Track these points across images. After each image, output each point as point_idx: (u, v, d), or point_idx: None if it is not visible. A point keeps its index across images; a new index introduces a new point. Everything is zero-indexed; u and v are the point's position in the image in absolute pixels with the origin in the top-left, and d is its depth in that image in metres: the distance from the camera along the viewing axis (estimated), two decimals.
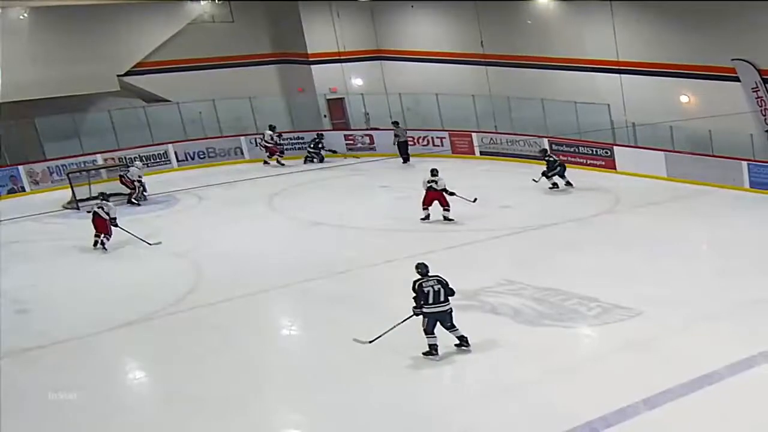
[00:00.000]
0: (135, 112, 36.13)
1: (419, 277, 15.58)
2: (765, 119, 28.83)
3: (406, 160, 34.30)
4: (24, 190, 31.93)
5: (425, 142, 35.33)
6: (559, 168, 29.16)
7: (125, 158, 32.06)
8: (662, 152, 30.13)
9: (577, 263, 20.78)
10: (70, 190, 29.41)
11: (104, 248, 23.65)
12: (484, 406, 13.72)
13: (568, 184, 29.24)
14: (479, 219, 25.43)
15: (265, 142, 35.07)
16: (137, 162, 30.30)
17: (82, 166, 31.87)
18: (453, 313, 15.60)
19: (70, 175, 29.88)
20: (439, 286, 15.44)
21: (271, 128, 35.16)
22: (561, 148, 32.58)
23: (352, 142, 36.69)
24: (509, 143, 34.15)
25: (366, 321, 17.65)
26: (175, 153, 35.15)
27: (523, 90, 34.74)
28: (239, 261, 22.31)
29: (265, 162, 34.86)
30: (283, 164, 34.61)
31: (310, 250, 22.82)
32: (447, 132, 35.50)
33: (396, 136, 34.73)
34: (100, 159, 33.17)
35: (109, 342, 17.31)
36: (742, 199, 27.22)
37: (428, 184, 25.13)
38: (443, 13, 37.94)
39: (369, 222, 25.62)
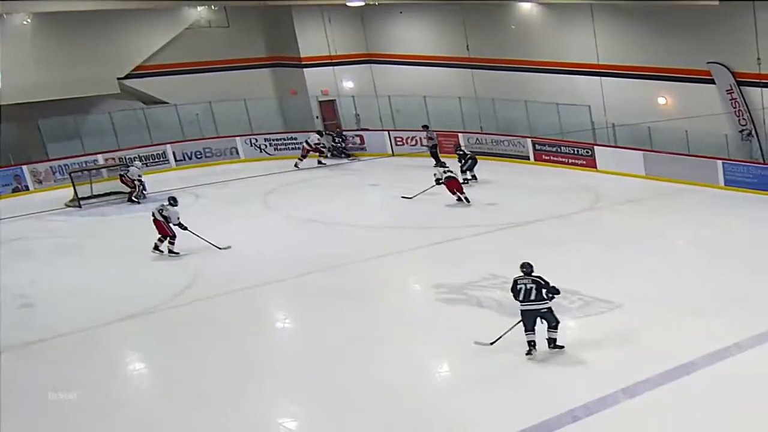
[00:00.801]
0: (134, 113, 36.06)
1: (519, 275, 15.40)
2: (739, 120, 28.90)
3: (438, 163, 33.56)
4: (28, 189, 31.87)
5: (413, 142, 35.31)
6: (470, 161, 30.16)
7: (125, 158, 31.96)
8: (641, 152, 30.20)
9: (559, 258, 20.75)
10: (72, 188, 29.33)
11: (173, 252, 22.66)
12: (470, 396, 13.80)
13: (474, 177, 30.11)
14: (466, 216, 25.48)
15: (311, 143, 34.07)
16: (137, 162, 30.22)
17: (84, 165, 31.76)
18: (553, 313, 15.35)
19: (72, 174, 29.81)
20: (533, 285, 15.19)
21: (319, 133, 34.86)
22: (544, 148, 32.68)
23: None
24: (494, 143, 34.17)
25: (360, 314, 17.78)
26: (173, 153, 35.06)
27: (507, 92, 34.78)
28: (236, 257, 22.29)
29: (320, 162, 34.25)
30: (324, 164, 34.27)
31: (305, 247, 22.80)
32: (434, 132, 35.47)
33: (430, 139, 34.49)
34: (101, 159, 33.06)
35: (109, 336, 17.30)
36: (717, 196, 27.32)
37: (446, 175, 26.94)
38: (431, 19, 37.93)
39: (361, 219, 25.62)
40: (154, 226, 22.74)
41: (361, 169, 32.81)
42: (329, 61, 39.09)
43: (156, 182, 30.81)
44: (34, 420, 13.70)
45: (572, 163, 32.04)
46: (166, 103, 37.01)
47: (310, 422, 13.61)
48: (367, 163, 34.10)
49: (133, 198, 28.94)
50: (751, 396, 13.34)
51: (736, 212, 25.43)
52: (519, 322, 15.36)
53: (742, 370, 14.44)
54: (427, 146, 34.37)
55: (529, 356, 15.13)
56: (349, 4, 36.31)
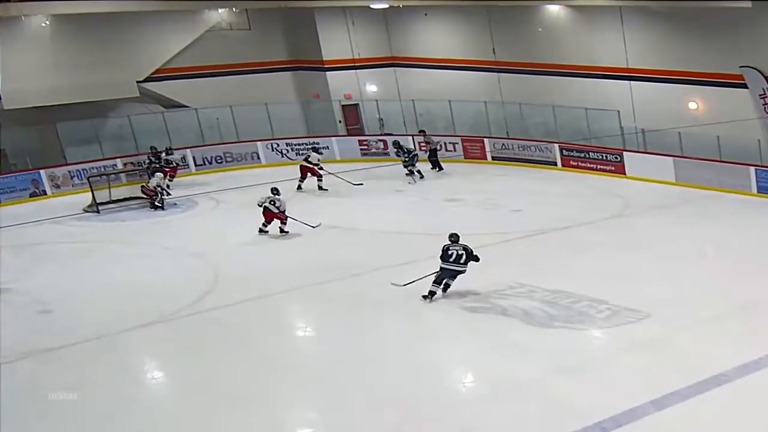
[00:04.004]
0: (154, 117, 36.20)
1: (449, 243, 18.76)
2: None
3: (436, 167, 34.25)
4: (45, 194, 31.99)
5: (438, 148, 35.33)
6: (413, 157, 31.80)
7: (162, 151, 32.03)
8: (671, 158, 30.11)
9: (587, 266, 20.81)
10: (90, 193, 29.44)
11: (284, 231, 24.75)
12: (495, 406, 13.77)
13: (419, 172, 31.78)
14: (491, 222, 25.49)
15: (312, 162, 31.29)
16: (158, 173, 30.15)
17: (103, 170, 31.92)
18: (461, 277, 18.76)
19: (90, 179, 29.91)
20: (463, 251, 18.58)
21: (317, 150, 32.65)
22: (571, 154, 32.66)
23: (366, 147, 36.72)
24: (521, 149, 34.17)
25: (381, 321, 17.80)
26: (193, 158, 35.23)
27: (534, 96, 34.79)
28: (256, 263, 22.40)
29: (299, 187, 31.10)
30: (325, 189, 31.03)
31: (326, 253, 22.85)
32: (459, 138, 35.54)
33: (427, 143, 34.80)
34: (119, 163, 33.29)
35: (129, 341, 17.38)
36: (749, 203, 27.22)
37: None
38: (456, 21, 37.97)
39: (383, 225, 25.64)
40: (264, 217, 24.52)
41: (383, 174, 32.84)
42: (352, 64, 39.25)
43: (176, 187, 31.04)
44: (56, 424, 13.78)
45: (600, 169, 31.98)
46: (186, 106, 37.16)
47: (327, 426, 13.65)
48: (389, 168, 34.14)
49: (156, 204, 28.93)
50: None
51: None
52: (435, 273, 18.67)
53: None
54: (424, 151, 34.57)
55: (426, 299, 18.61)
56: (372, 6, 36.50)
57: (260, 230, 24.66)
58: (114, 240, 25.69)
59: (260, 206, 24.36)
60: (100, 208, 28.92)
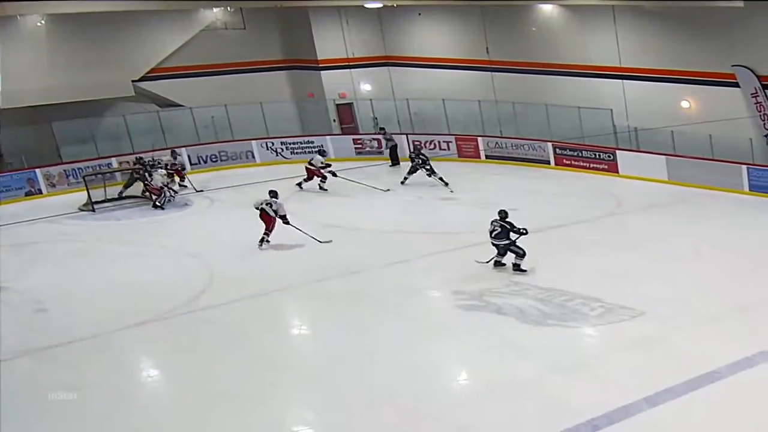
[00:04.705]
0: (149, 116, 36.18)
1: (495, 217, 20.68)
2: (764, 124, 28.86)
3: (395, 163, 34.67)
4: (41, 193, 31.93)
5: (432, 146, 35.33)
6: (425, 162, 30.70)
7: (145, 161, 31.82)
8: (664, 156, 30.17)
9: (580, 264, 20.86)
10: (85, 192, 29.41)
11: (267, 242, 23.62)
12: (490, 404, 13.81)
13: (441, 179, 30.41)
14: (486, 221, 25.48)
15: (315, 164, 31.02)
16: (160, 170, 30.11)
17: (98, 169, 31.93)
18: (513, 247, 20.44)
19: (85, 177, 29.94)
20: (499, 227, 20.41)
21: (322, 153, 32.02)
22: (565, 152, 32.70)
23: (360, 146, 36.73)
24: (514, 147, 34.20)
25: (378, 320, 17.83)
26: (188, 156, 35.18)
27: (527, 95, 34.82)
28: (252, 262, 22.43)
29: (300, 185, 31.15)
30: (325, 189, 30.93)
31: (322, 252, 22.86)
32: (453, 136, 35.54)
33: (388, 140, 35.12)
34: (115, 162, 33.26)
35: (125, 339, 17.40)
36: (741, 202, 27.28)
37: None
38: (449, 21, 38.01)
39: (380, 224, 25.67)
40: (262, 221, 23.37)
41: (378, 173, 32.88)
42: (347, 63, 39.27)
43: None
44: (53, 422, 13.79)
45: (593, 168, 32.03)
46: (181, 105, 37.14)
47: (325, 425, 13.66)
48: (384, 167, 34.20)
49: (158, 204, 28.84)
50: None
51: (760, 218, 25.40)
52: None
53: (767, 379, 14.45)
54: (386, 148, 34.89)
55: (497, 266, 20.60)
56: (366, 5, 36.50)
57: (261, 241, 23.51)
58: (109, 239, 25.69)
59: (257, 209, 23.71)
60: (95, 206, 28.91)
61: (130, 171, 30.92)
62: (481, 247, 21.77)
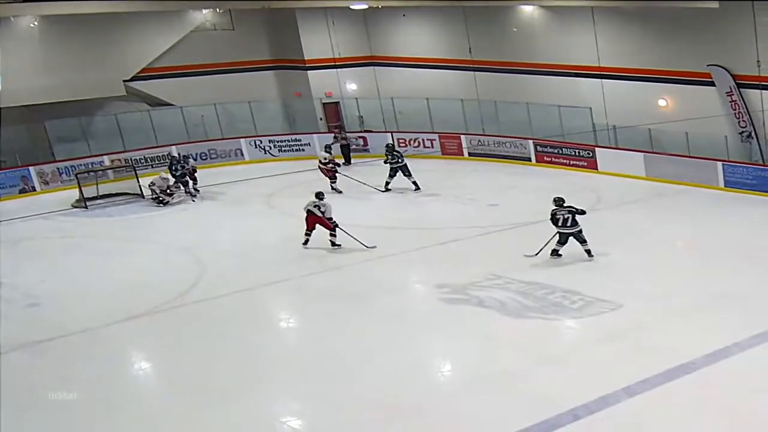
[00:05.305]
0: (140, 115, 36.04)
1: (554, 207, 20.44)
2: (739, 122, 28.92)
3: (348, 162, 34.30)
4: (35, 190, 31.89)
5: (416, 144, 35.32)
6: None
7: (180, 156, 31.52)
8: (641, 153, 30.20)
9: (560, 258, 20.86)
10: (78, 189, 29.33)
11: (336, 245, 22.57)
12: (472, 395, 13.80)
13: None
14: (468, 216, 25.53)
15: (321, 163, 30.10)
16: (162, 173, 29.72)
17: (90, 167, 31.83)
18: (582, 233, 20.49)
19: (78, 175, 29.81)
20: (569, 214, 20.21)
21: (326, 148, 31.17)
22: (545, 150, 32.70)
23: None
24: (496, 145, 34.18)
25: (363, 314, 17.83)
26: (179, 154, 35.04)
27: (509, 94, 34.78)
28: (240, 257, 22.37)
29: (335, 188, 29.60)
30: (339, 191, 29.42)
31: (308, 248, 22.78)
32: (437, 134, 35.50)
33: (344, 139, 34.86)
34: (107, 160, 33.15)
35: (116, 334, 17.35)
36: (717, 197, 27.32)
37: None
38: (433, 22, 37.98)
39: (363, 220, 25.58)
40: (308, 223, 22.59)
41: (364, 171, 32.81)
42: (333, 63, 39.20)
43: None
44: (45, 415, 13.74)
45: (573, 165, 32.06)
46: (172, 105, 37.04)
47: (312, 419, 13.63)
48: (369, 164, 34.12)
49: (161, 201, 28.63)
50: (750, 395, 13.36)
51: (735, 213, 25.43)
52: (550, 239, 20.54)
53: (741, 369, 14.47)
54: (342, 145, 34.61)
55: (557, 257, 20.59)
56: (352, 6, 36.44)
57: (305, 242, 22.69)
58: (102, 235, 25.64)
59: (305, 210, 22.73)
60: (87, 203, 28.84)
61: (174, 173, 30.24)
62: (464, 242, 21.89)
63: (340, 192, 29.16)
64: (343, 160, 34.04)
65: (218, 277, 20.64)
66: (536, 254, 20.69)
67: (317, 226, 22.62)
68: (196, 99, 36.36)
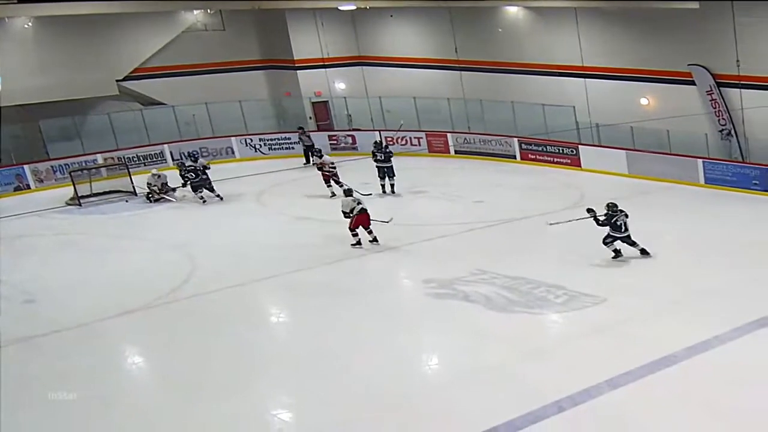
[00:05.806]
0: (133, 114, 35.96)
1: (612, 213, 20.20)
2: (719, 120, 29.05)
3: (308, 161, 33.69)
4: (29, 188, 31.80)
5: (403, 142, 35.31)
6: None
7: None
8: (624, 151, 30.28)
9: (545, 254, 20.92)
10: (72, 187, 29.28)
11: (376, 241, 22.30)
12: (461, 388, 13.81)
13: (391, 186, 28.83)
14: (455, 213, 25.56)
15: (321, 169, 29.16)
16: (154, 171, 29.70)
17: (84, 165, 31.76)
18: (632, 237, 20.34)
19: (72, 173, 29.76)
20: (626, 217, 20.26)
21: (318, 152, 30.29)
22: (530, 148, 32.76)
23: (335, 142, 36.67)
24: (482, 143, 34.22)
25: (352, 309, 17.83)
26: (171, 153, 35.02)
27: (494, 93, 34.86)
28: (231, 253, 22.33)
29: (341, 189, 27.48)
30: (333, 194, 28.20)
31: (299, 244, 22.80)
32: (424, 132, 35.52)
33: (307, 140, 34.41)
34: (100, 158, 33.06)
35: (110, 329, 17.32)
36: (697, 194, 27.44)
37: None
38: (420, 22, 38.02)
39: None
40: (355, 223, 22.18)
41: (353, 169, 32.78)
42: (322, 63, 39.21)
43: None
44: (40, 410, 13.71)
45: (557, 162, 32.12)
46: (164, 104, 36.99)
47: (305, 413, 13.60)
48: (358, 162, 34.07)
49: (150, 198, 28.56)
50: (730, 387, 13.42)
51: (715, 209, 25.57)
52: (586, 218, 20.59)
53: (722, 362, 14.54)
54: (302, 146, 34.35)
55: (619, 256, 20.39)
56: (341, 7, 36.38)
57: (356, 244, 22.29)
58: (95, 232, 25.58)
59: (350, 212, 22.11)
60: (81, 201, 28.76)
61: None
62: (451, 238, 21.94)
63: (333, 195, 28.25)
64: (304, 161, 33.91)
65: (211, 274, 20.59)
66: (558, 223, 21.44)
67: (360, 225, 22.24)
68: (187, 98, 36.30)
